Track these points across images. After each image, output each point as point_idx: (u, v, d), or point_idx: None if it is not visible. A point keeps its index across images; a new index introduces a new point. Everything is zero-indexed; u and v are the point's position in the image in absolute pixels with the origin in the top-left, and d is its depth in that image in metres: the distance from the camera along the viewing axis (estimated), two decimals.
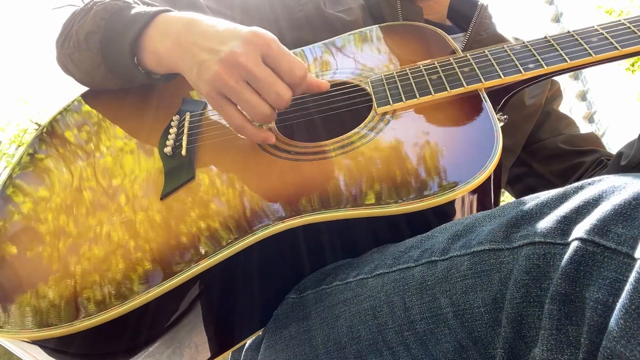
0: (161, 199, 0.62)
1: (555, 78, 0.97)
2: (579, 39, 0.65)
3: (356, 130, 0.65)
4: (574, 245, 0.35)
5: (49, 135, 0.76)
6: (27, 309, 0.54)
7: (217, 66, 0.59)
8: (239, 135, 0.66)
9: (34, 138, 0.76)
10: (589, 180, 0.39)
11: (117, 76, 0.73)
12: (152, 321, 0.55)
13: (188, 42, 0.64)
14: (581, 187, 0.39)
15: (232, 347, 0.62)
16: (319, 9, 0.88)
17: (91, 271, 0.56)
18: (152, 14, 0.68)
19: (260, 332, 0.62)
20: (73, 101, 0.81)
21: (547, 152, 0.93)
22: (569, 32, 0.67)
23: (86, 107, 0.80)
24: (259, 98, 0.60)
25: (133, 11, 0.70)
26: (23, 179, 0.70)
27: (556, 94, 0.98)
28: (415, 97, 0.65)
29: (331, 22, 0.86)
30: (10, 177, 0.71)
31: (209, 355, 0.61)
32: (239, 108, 0.62)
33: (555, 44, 0.65)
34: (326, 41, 0.83)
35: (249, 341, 0.65)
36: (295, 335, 0.56)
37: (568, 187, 0.40)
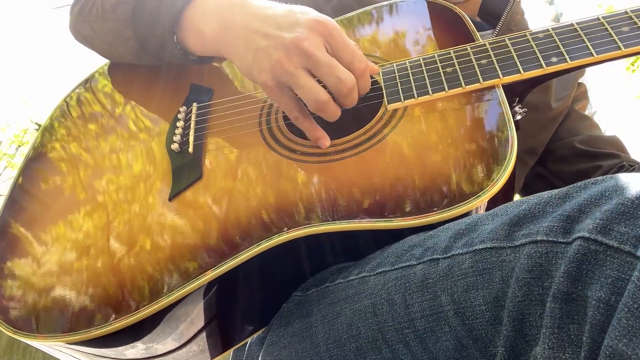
0: (169, 200, 0.61)
1: (581, 81, 0.93)
2: (608, 27, 0.58)
3: (365, 129, 0.62)
4: (576, 244, 0.34)
5: (55, 125, 0.75)
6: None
7: (279, 53, 0.56)
8: (298, 126, 0.62)
9: (41, 130, 0.76)
10: (592, 179, 0.39)
11: (148, 52, 0.69)
12: (154, 327, 0.55)
13: (240, 26, 0.59)
14: (584, 186, 0.39)
15: (234, 346, 0.62)
16: None
17: (95, 283, 0.56)
18: None
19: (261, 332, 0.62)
20: (74, 89, 0.80)
21: (562, 152, 0.88)
22: (597, 17, 0.60)
23: (96, 92, 0.78)
24: (316, 83, 0.57)
25: None
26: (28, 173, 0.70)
27: (581, 96, 0.93)
28: (428, 94, 0.61)
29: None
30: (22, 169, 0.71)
31: (202, 324, 0.60)
32: (298, 97, 0.59)
33: (582, 33, 0.59)
34: (342, 18, 0.79)
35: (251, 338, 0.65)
36: (298, 332, 0.56)
37: (571, 186, 0.40)
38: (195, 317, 0.57)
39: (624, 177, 0.37)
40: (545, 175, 0.90)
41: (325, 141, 0.61)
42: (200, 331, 0.59)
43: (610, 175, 0.39)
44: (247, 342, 0.65)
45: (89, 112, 0.76)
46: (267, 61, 0.57)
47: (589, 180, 0.40)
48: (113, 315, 0.52)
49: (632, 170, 0.80)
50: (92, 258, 0.58)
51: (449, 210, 0.51)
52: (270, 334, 0.59)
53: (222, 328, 0.61)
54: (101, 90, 0.79)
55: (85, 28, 0.74)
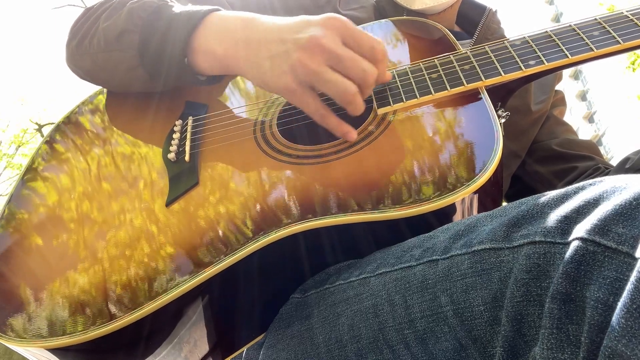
0: (166, 205, 0.62)
1: (558, 88, 0.96)
2: (580, 33, 0.63)
3: (357, 132, 0.64)
4: (574, 244, 0.35)
5: (60, 134, 0.77)
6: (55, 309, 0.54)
7: (297, 53, 0.57)
8: (323, 126, 0.63)
9: (50, 133, 0.77)
10: (590, 180, 0.40)
11: (156, 79, 0.70)
12: (152, 332, 0.55)
13: (255, 39, 0.61)
14: (582, 187, 0.39)
15: (233, 353, 0.62)
16: (335, 10, 0.87)
17: (96, 285, 0.56)
18: (204, 13, 0.65)
19: (259, 338, 0.62)
20: (81, 103, 0.81)
21: (540, 154, 0.92)
22: (570, 25, 0.65)
23: (93, 111, 0.79)
24: (343, 77, 0.58)
25: (176, 10, 0.67)
26: (33, 174, 0.71)
27: (558, 103, 0.97)
28: (416, 97, 0.64)
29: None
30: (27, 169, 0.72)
31: (207, 349, 0.60)
32: (324, 92, 0.60)
33: (556, 39, 0.64)
34: None
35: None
36: (297, 334, 0.56)
37: (569, 187, 0.40)
38: (193, 323, 0.57)
39: (622, 179, 0.37)
40: (522, 177, 0.93)
41: (354, 134, 0.62)
42: (197, 338, 0.59)
43: (608, 177, 0.39)
44: (243, 350, 0.65)
45: (88, 129, 0.77)
46: (286, 63, 0.58)
47: (587, 181, 0.40)
48: (113, 315, 0.53)
49: (607, 173, 0.83)
50: (90, 262, 0.58)
51: (441, 199, 0.53)
52: (268, 336, 0.60)
53: (219, 335, 0.61)
54: (99, 108, 0.80)
55: (85, 61, 0.74)
